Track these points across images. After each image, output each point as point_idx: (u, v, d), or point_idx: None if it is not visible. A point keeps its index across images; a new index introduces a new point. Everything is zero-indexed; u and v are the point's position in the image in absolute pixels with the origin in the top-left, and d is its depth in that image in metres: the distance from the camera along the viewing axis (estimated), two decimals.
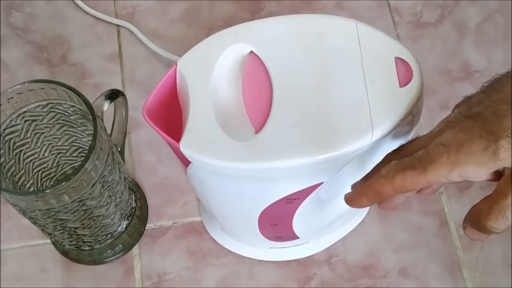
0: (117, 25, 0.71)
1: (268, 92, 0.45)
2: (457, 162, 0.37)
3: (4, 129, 0.51)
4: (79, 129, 0.55)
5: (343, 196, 0.54)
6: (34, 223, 0.53)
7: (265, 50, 0.46)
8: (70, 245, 0.58)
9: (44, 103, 0.52)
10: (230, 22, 0.70)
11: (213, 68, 0.45)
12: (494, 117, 0.37)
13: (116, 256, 0.61)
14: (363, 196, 0.42)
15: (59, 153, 0.58)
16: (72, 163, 0.59)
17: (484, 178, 0.38)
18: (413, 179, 0.39)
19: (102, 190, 0.51)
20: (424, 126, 0.65)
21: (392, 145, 0.48)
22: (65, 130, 0.55)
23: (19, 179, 0.55)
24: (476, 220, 0.38)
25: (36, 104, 0.51)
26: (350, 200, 0.44)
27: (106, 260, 0.61)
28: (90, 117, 0.48)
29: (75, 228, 0.54)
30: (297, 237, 0.57)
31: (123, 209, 0.57)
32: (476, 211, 0.38)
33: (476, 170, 0.37)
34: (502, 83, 0.38)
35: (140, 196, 0.63)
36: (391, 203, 0.43)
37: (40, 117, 0.53)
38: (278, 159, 0.43)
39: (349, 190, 0.53)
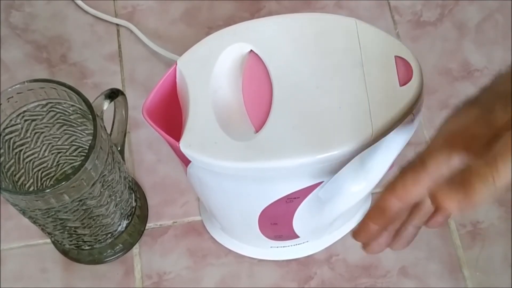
0: (117, 25, 0.71)
1: (268, 92, 0.45)
2: (456, 142, 0.36)
3: (4, 129, 0.51)
4: (79, 128, 0.55)
5: (343, 196, 0.54)
6: (34, 222, 0.53)
7: (265, 49, 0.46)
8: (70, 244, 0.58)
9: (44, 102, 0.52)
10: (230, 21, 0.70)
11: (213, 68, 0.45)
12: (491, 95, 0.36)
13: (116, 255, 0.61)
14: (367, 219, 0.39)
15: (59, 152, 0.58)
16: (72, 163, 0.59)
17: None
18: (413, 178, 0.37)
19: (102, 190, 0.51)
20: (424, 126, 0.65)
21: (392, 144, 0.48)
22: (65, 130, 0.55)
23: (19, 178, 0.55)
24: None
25: (36, 104, 0.51)
26: (357, 231, 0.40)
27: (106, 259, 0.61)
28: (90, 116, 0.48)
29: (75, 227, 0.54)
30: (297, 236, 0.57)
31: (123, 208, 0.57)
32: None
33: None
34: (501, 74, 0.38)
35: (140, 195, 0.63)
36: (402, 235, 0.41)
37: (40, 117, 0.53)
38: (278, 158, 0.43)
39: (349, 190, 0.54)
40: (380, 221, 0.39)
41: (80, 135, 0.56)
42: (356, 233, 0.40)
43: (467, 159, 0.35)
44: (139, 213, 0.61)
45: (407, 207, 0.39)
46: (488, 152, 0.33)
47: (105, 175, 0.50)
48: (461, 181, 0.33)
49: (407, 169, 0.37)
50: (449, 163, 0.36)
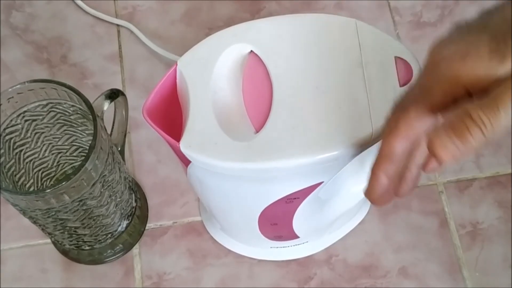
0: (117, 25, 0.71)
1: (268, 92, 0.45)
2: (462, 71, 0.33)
3: (4, 129, 0.51)
4: (79, 128, 0.55)
5: (343, 196, 0.54)
6: (34, 223, 0.53)
7: (265, 50, 0.46)
8: (70, 244, 0.58)
9: (44, 102, 0.52)
10: (230, 22, 0.70)
11: (213, 68, 0.45)
12: (505, 24, 0.33)
13: (116, 256, 0.61)
14: (377, 171, 0.38)
15: (59, 152, 0.58)
16: (72, 163, 0.59)
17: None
18: (417, 111, 0.35)
19: (102, 190, 0.51)
20: None
21: None
22: (65, 130, 0.55)
23: (19, 178, 0.55)
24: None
25: (36, 104, 0.52)
26: (369, 189, 0.39)
27: (106, 260, 0.61)
28: (90, 116, 0.48)
29: (75, 227, 0.54)
30: (297, 237, 0.57)
31: (123, 208, 0.57)
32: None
33: (482, 78, 0.33)
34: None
35: (140, 196, 0.63)
36: (407, 178, 0.38)
37: (40, 117, 0.53)
38: (278, 159, 0.43)
39: (349, 190, 0.54)
40: (390, 168, 0.37)
41: (81, 135, 0.56)
42: (368, 192, 0.39)
43: (470, 101, 0.33)
44: (139, 213, 0.61)
45: (412, 146, 0.37)
46: (489, 98, 0.32)
47: (105, 175, 0.50)
48: (460, 130, 0.32)
49: (410, 104, 0.36)
50: (455, 93, 0.34)
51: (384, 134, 0.37)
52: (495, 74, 0.33)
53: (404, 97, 0.38)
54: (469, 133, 0.31)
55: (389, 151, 0.37)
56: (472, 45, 0.33)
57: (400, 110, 0.37)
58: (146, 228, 0.62)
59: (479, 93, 0.33)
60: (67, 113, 0.53)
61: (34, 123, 0.53)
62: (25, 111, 0.52)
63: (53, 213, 0.50)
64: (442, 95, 0.34)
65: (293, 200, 0.48)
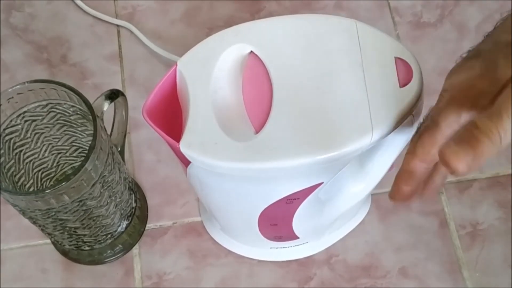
0: (117, 25, 0.71)
1: (268, 92, 0.45)
2: (463, 100, 0.36)
3: (4, 129, 0.51)
4: (79, 129, 0.55)
5: (343, 196, 0.54)
6: (34, 223, 0.53)
7: (265, 50, 0.46)
8: (70, 245, 0.58)
9: (44, 103, 0.52)
10: (230, 22, 0.70)
11: (213, 68, 0.45)
12: (493, 46, 0.36)
13: (116, 256, 0.61)
14: (399, 183, 0.42)
15: (59, 153, 0.58)
16: (72, 163, 0.59)
17: None
18: (430, 140, 0.38)
19: (102, 190, 0.51)
20: None
21: (392, 145, 0.48)
22: (65, 130, 0.55)
23: (19, 179, 0.55)
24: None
25: (36, 104, 0.51)
26: (392, 194, 0.43)
27: (106, 260, 0.61)
28: (90, 117, 0.48)
29: (75, 228, 0.54)
30: (297, 237, 0.57)
31: (123, 209, 0.57)
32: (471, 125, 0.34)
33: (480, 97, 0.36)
34: (503, 18, 0.38)
35: (140, 196, 0.63)
36: (430, 186, 0.42)
37: (40, 117, 0.53)
38: (278, 159, 0.43)
39: (349, 190, 0.54)
40: (409, 182, 0.41)
41: (80, 136, 0.56)
42: (391, 196, 0.43)
43: (475, 116, 0.36)
44: (139, 214, 0.61)
45: (431, 165, 0.41)
46: (493, 107, 0.34)
47: (105, 175, 0.50)
48: (468, 139, 0.34)
49: (423, 131, 0.39)
50: (459, 121, 0.37)
51: (407, 152, 0.41)
52: (490, 91, 0.35)
53: (424, 121, 0.42)
54: (478, 140, 0.33)
55: (409, 169, 0.40)
56: (468, 72, 0.37)
57: (415, 137, 0.40)
58: (146, 228, 0.62)
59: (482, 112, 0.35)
60: (67, 114, 0.53)
61: (34, 123, 0.53)
62: (25, 112, 0.52)
63: (53, 214, 0.50)
64: (447, 125, 0.38)
65: (293, 200, 0.48)
